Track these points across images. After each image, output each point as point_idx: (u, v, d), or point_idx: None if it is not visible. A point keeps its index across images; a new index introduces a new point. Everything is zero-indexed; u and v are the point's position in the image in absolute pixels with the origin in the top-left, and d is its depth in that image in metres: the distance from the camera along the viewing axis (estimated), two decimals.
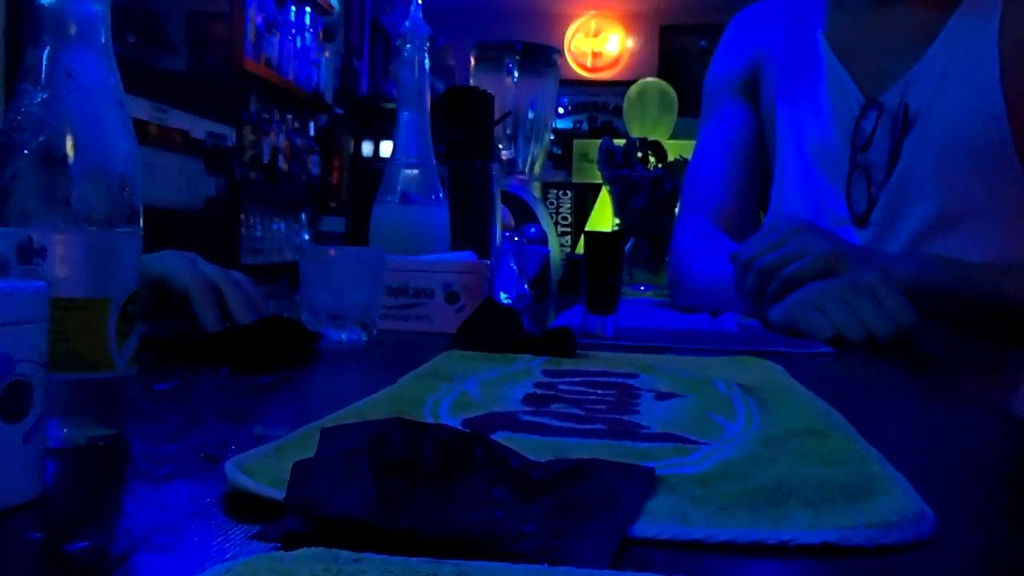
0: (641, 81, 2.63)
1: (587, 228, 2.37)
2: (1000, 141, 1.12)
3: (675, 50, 6.09)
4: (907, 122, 1.17)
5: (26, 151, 0.46)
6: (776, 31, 1.34)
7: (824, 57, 1.26)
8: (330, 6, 4.41)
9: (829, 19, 1.28)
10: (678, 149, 1.99)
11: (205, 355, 0.74)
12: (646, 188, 1.68)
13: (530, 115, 1.85)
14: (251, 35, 3.49)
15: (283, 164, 3.84)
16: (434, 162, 1.19)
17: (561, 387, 0.65)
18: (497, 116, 1.52)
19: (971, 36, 1.15)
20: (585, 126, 6.06)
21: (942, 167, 1.15)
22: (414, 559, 0.29)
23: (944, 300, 1.05)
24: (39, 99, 0.47)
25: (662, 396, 0.63)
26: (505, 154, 1.80)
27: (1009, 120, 1.11)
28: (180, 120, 2.66)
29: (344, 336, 0.90)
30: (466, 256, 1.09)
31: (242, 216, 3.27)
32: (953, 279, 1.06)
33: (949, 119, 1.14)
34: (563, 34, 6.09)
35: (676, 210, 1.75)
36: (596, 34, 6.17)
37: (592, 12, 6.13)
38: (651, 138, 1.92)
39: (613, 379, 0.69)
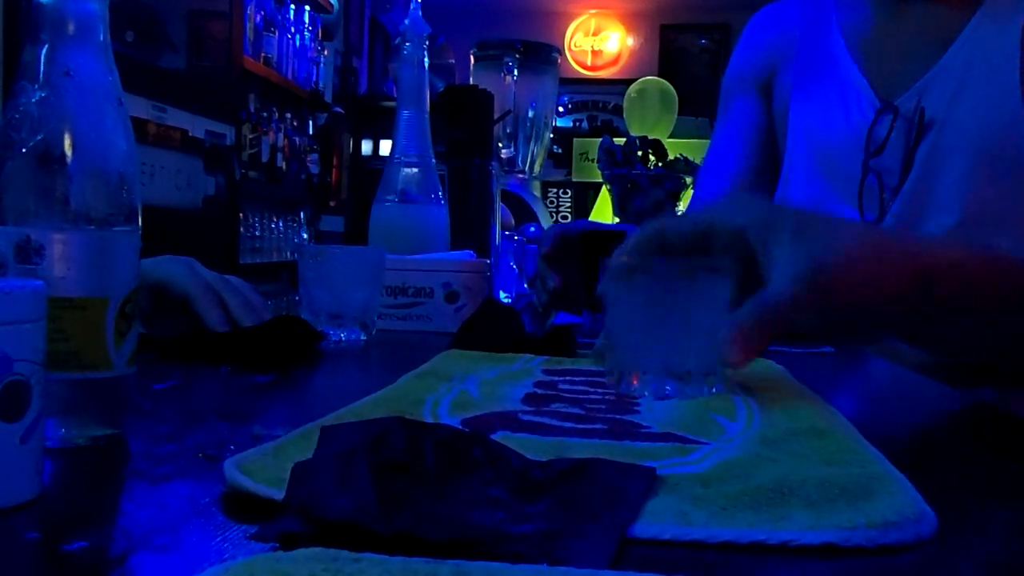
0: (641, 80, 2.63)
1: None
2: (1019, 148, 1.10)
3: (675, 49, 6.09)
4: (922, 128, 1.15)
5: (24, 149, 0.46)
6: (795, 30, 1.33)
7: (840, 59, 1.25)
8: (329, 4, 4.41)
9: (847, 20, 1.27)
10: (678, 148, 1.99)
11: (211, 354, 0.74)
12: (646, 187, 1.68)
13: (530, 114, 1.85)
14: (250, 33, 3.49)
15: (282, 163, 3.84)
16: (433, 161, 1.19)
17: (561, 386, 0.65)
18: (497, 115, 1.52)
19: (992, 40, 1.13)
20: (585, 125, 6.05)
21: (959, 175, 1.13)
22: (413, 559, 0.29)
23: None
24: (37, 97, 0.46)
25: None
26: (505, 153, 1.80)
27: None
28: (179, 119, 2.66)
29: (343, 336, 0.90)
30: (465, 255, 1.09)
31: (241, 215, 3.27)
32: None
33: (966, 125, 1.13)
34: (563, 33, 6.09)
35: (677, 209, 1.75)
36: (596, 33, 6.16)
37: (592, 11, 6.13)
38: (651, 137, 1.92)
39: None
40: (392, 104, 1.31)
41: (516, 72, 1.81)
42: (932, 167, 1.15)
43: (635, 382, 0.63)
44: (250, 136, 3.56)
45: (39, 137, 0.46)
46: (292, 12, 3.95)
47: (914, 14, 1.20)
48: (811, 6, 1.33)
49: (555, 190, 2.37)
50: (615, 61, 6.15)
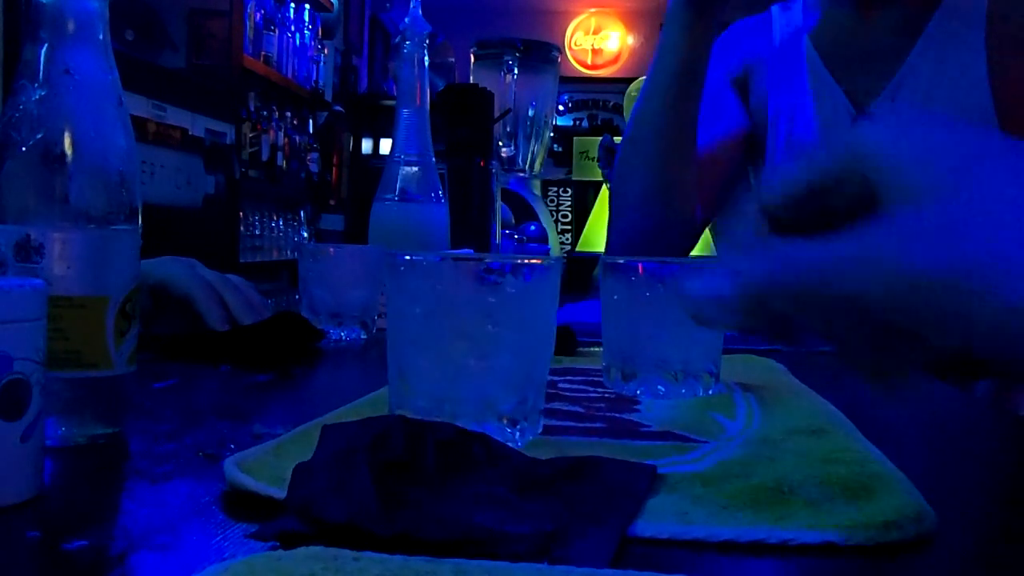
0: (641, 78, 2.63)
1: (587, 225, 2.37)
2: None
3: None
4: None
5: (24, 148, 0.46)
6: (763, 43, 1.32)
7: (813, 64, 1.25)
8: (329, 3, 4.41)
9: (814, 24, 1.27)
10: None
11: (211, 352, 0.74)
12: None
13: (530, 112, 1.85)
14: (250, 32, 3.49)
15: (282, 162, 3.83)
16: (433, 160, 1.19)
17: (561, 385, 0.65)
18: (497, 113, 1.52)
19: (957, 36, 1.13)
20: (585, 123, 6.05)
21: None
22: (413, 558, 0.29)
23: None
24: (37, 96, 0.46)
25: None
26: (505, 152, 1.80)
27: (1000, 121, 1.10)
28: (179, 117, 2.66)
29: (343, 334, 0.90)
30: (465, 254, 1.09)
31: (241, 214, 3.27)
32: None
33: None
34: (563, 31, 6.09)
35: None
36: (596, 31, 6.16)
37: (592, 9, 6.13)
38: None
39: None
40: (392, 103, 1.31)
41: (516, 71, 1.81)
42: None
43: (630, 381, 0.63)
44: (250, 135, 3.55)
45: (39, 136, 0.46)
46: (292, 10, 3.95)
47: (874, 15, 1.20)
48: (781, 18, 1.32)
49: (555, 189, 2.37)
50: (615, 60, 6.15)
